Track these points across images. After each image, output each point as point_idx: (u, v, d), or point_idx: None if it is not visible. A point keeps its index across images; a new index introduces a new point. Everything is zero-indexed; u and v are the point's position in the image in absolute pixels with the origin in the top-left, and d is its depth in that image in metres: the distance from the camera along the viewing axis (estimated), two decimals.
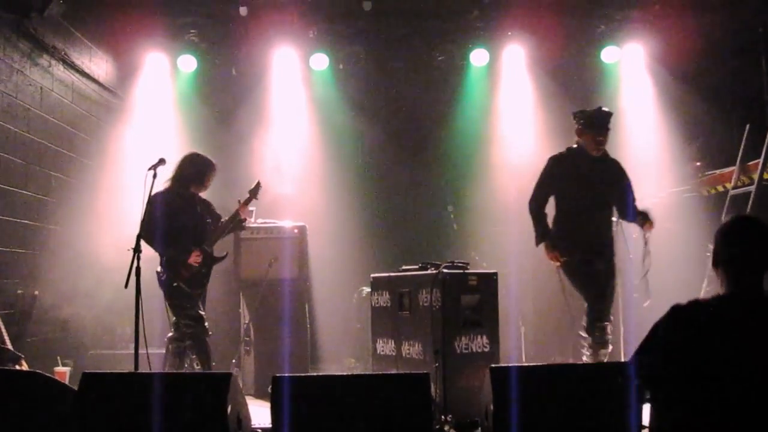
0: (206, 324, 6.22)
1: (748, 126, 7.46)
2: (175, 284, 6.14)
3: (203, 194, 6.57)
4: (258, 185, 6.64)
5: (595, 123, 6.04)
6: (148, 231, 5.97)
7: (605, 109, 6.17)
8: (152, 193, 5.96)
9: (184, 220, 6.24)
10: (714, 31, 8.07)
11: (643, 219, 6.05)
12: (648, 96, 9.14)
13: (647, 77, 9.14)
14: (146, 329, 5.35)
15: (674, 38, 8.50)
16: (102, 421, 4.20)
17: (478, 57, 9.01)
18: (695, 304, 2.92)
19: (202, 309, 6.28)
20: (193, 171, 6.36)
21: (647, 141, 9.05)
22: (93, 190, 7.97)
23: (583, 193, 6.05)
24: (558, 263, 6.12)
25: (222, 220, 6.56)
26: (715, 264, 3.05)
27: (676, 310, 2.93)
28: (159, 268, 6.20)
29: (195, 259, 6.21)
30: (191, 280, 6.20)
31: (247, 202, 6.54)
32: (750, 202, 6.99)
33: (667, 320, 2.94)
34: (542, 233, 6.18)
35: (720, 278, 3.03)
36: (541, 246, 6.23)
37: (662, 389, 2.87)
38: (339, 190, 9.18)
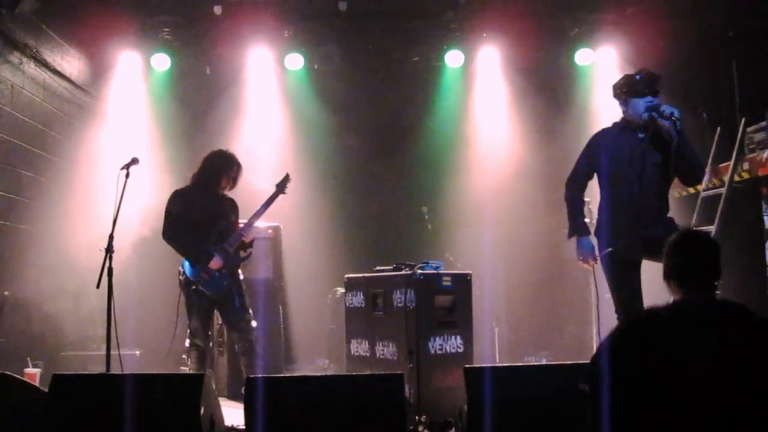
0: (205, 335, 6.07)
1: (719, 129, 7.55)
2: (193, 287, 5.99)
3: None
4: (287, 178, 6.45)
5: (641, 88, 5.08)
6: (168, 229, 6.00)
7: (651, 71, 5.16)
8: (173, 191, 6.06)
9: (204, 218, 6.07)
10: (685, 34, 8.15)
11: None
12: None
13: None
14: (118, 330, 5.31)
15: (646, 41, 8.56)
16: (73, 423, 4.16)
17: (453, 58, 9.01)
18: (649, 317, 2.94)
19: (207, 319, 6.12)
20: (212, 169, 6.18)
21: None
22: (65, 189, 7.88)
23: (633, 173, 5.03)
24: (588, 266, 5.19)
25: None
26: (666, 277, 3.16)
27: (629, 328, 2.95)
28: (180, 268, 6.10)
29: (215, 264, 6.00)
30: (209, 281, 6.00)
31: (274, 197, 6.35)
32: (721, 204, 7.07)
33: (620, 338, 2.95)
34: (576, 225, 5.26)
35: (672, 290, 3.13)
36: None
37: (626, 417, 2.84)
38: (314, 190, 9.16)
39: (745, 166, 7.01)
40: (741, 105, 7.52)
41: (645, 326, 2.84)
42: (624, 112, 5.20)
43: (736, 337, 2.71)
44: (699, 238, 3.19)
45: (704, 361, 2.64)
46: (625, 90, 5.15)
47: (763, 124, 6.85)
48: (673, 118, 4.83)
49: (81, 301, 7.79)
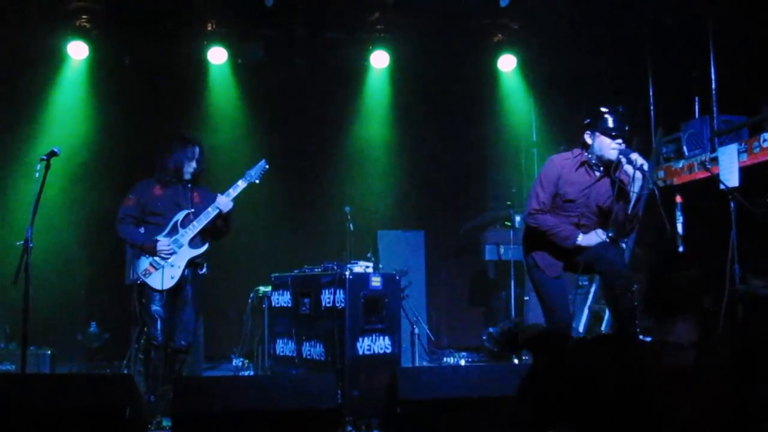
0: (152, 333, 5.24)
1: (635, 138, 7.81)
2: (139, 281, 5.40)
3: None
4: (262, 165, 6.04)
5: (611, 128, 4.85)
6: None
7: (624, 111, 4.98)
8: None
9: (157, 209, 5.56)
10: (601, 47, 8.40)
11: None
12: (539, 105, 9.44)
13: (540, 87, 9.39)
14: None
15: (565, 51, 8.80)
16: None
17: (378, 58, 8.98)
18: None
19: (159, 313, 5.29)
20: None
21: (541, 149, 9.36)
22: None
23: (577, 210, 4.98)
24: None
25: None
26: None
27: None
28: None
29: (161, 245, 5.39)
30: (154, 276, 5.36)
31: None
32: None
33: None
34: (570, 229, 4.96)
35: None
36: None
37: None
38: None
39: (661, 174, 7.29)
40: (657, 116, 7.81)
41: None
42: (587, 145, 4.97)
43: None
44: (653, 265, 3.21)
45: None
46: (594, 125, 4.91)
47: (679, 134, 7.13)
48: (645, 169, 4.68)
49: None
